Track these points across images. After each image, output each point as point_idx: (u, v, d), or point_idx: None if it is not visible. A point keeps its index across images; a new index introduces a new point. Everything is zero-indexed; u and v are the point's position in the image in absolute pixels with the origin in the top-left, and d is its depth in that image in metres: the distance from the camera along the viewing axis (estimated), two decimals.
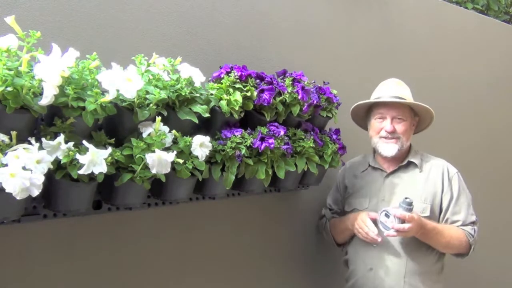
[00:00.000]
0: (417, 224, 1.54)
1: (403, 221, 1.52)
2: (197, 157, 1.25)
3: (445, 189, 1.71)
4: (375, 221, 1.62)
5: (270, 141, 1.42)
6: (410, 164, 1.75)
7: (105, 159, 1.04)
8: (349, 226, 1.72)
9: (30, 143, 0.99)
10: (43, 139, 1.00)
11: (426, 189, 1.70)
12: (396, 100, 1.69)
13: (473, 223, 1.70)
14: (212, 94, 1.38)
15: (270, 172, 1.49)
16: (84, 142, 1.03)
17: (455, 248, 1.66)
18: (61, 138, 1.00)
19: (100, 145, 1.13)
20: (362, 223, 1.64)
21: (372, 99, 1.77)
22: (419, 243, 1.65)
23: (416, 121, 1.79)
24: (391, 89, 1.74)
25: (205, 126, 1.36)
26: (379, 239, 1.59)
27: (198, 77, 1.28)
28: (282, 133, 1.48)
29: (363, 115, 1.83)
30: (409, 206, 1.54)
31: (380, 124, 1.72)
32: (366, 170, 1.83)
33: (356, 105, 1.78)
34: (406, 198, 1.55)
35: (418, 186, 1.71)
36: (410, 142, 1.75)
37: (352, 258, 1.79)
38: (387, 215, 1.55)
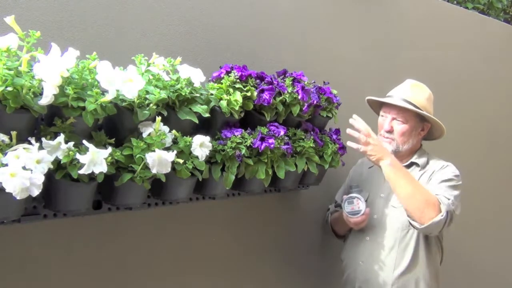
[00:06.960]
0: (380, 144, 1.59)
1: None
2: (197, 157, 1.25)
3: (436, 173, 1.67)
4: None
5: (270, 141, 1.42)
6: (412, 164, 1.75)
7: (105, 159, 1.04)
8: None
9: (30, 143, 0.99)
10: (43, 139, 1.00)
11: (422, 181, 1.67)
12: (395, 102, 1.69)
13: (452, 202, 1.54)
14: (212, 94, 1.38)
15: (270, 172, 1.49)
16: (84, 142, 1.03)
17: (419, 202, 1.50)
18: (61, 138, 1.00)
19: (100, 145, 1.13)
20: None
21: (384, 97, 1.78)
22: (410, 239, 1.65)
23: (426, 127, 1.76)
24: (402, 91, 1.74)
25: (205, 126, 1.36)
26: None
27: (198, 77, 1.28)
28: (282, 133, 1.48)
29: (378, 108, 1.84)
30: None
31: (382, 122, 1.75)
32: (373, 167, 1.85)
33: (367, 98, 1.82)
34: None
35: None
36: (408, 145, 1.72)
37: (345, 252, 1.86)
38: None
